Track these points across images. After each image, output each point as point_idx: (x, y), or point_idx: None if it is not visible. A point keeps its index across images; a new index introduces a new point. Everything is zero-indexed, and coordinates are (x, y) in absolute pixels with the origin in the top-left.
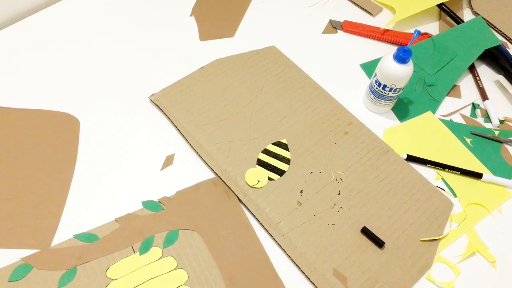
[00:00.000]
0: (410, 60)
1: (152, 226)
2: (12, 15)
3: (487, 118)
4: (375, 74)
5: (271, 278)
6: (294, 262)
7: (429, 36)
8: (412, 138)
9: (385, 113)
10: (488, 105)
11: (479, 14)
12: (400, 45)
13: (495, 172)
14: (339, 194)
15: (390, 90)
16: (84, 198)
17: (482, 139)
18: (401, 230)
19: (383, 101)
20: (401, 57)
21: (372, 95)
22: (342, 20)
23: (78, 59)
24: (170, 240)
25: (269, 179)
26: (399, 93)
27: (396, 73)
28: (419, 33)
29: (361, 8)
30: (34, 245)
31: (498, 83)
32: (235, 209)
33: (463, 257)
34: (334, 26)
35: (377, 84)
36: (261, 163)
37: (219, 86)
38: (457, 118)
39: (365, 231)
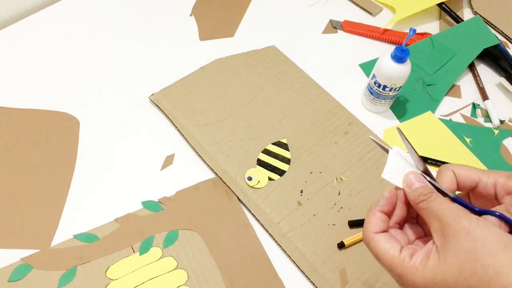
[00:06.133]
0: (408, 59)
1: (152, 226)
2: (12, 15)
3: (487, 118)
4: (374, 75)
5: (271, 278)
6: (294, 262)
7: (428, 36)
8: (412, 138)
9: (385, 111)
10: (488, 105)
11: (479, 14)
12: (400, 45)
13: None
14: (339, 194)
15: (391, 90)
16: (84, 198)
17: (482, 139)
18: None
19: (383, 100)
20: (399, 57)
21: (372, 96)
22: (342, 20)
23: (78, 59)
24: (170, 240)
25: (269, 179)
26: (398, 91)
27: (395, 73)
28: (414, 31)
29: (361, 8)
30: (34, 245)
31: (499, 83)
32: (235, 209)
33: None
34: (334, 26)
35: (377, 85)
36: (261, 163)
37: (219, 86)
38: (458, 118)
39: (353, 224)
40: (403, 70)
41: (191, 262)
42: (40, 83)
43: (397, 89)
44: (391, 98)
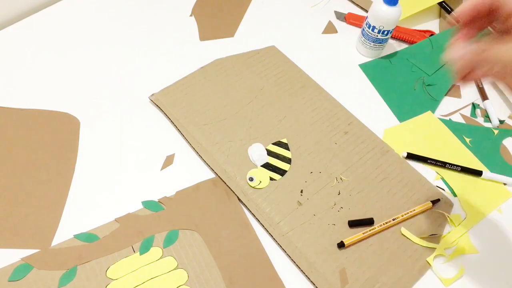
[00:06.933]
0: (399, 3)
1: (152, 226)
2: (12, 15)
3: (487, 118)
4: (367, 17)
5: (271, 278)
6: (294, 262)
7: (431, 34)
8: (412, 138)
9: (376, 57)
10: (488, 105)
11: None
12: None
13: (494, 171)
14: (339, 194)
15: (379, 32)
16: (84, 198)
17: (482, 139)
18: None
19: (373, 43)
20: None
21: (363, 37)
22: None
23: (78, 59)
24: (170, 240)
25: (271, 179)
26: (387, 36)
27: (384, 15)
28: None
29: (362, 8)
30: (34, 245)
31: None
32: (235, 209)
33: (450, 257)
34: (337, 18)
35: (367, 25)
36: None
37: (219, 86)
38: (457, 118)
39: (352, 223)
40: (392, 12)
41: (191, 262)
42: (40, 83)
43: (385, 32)
44: (380, 43)
